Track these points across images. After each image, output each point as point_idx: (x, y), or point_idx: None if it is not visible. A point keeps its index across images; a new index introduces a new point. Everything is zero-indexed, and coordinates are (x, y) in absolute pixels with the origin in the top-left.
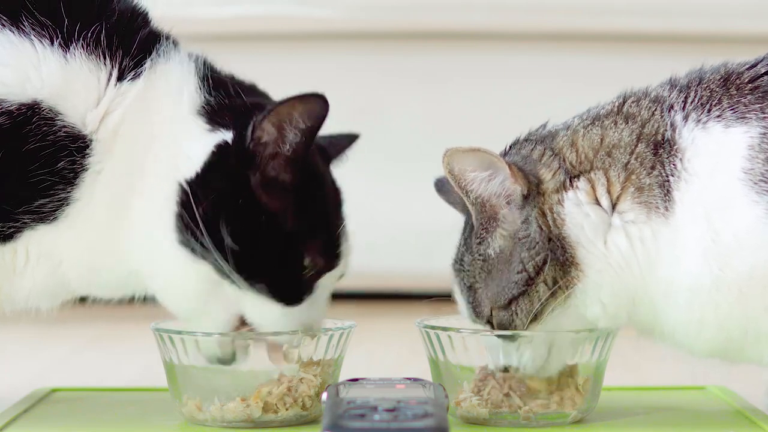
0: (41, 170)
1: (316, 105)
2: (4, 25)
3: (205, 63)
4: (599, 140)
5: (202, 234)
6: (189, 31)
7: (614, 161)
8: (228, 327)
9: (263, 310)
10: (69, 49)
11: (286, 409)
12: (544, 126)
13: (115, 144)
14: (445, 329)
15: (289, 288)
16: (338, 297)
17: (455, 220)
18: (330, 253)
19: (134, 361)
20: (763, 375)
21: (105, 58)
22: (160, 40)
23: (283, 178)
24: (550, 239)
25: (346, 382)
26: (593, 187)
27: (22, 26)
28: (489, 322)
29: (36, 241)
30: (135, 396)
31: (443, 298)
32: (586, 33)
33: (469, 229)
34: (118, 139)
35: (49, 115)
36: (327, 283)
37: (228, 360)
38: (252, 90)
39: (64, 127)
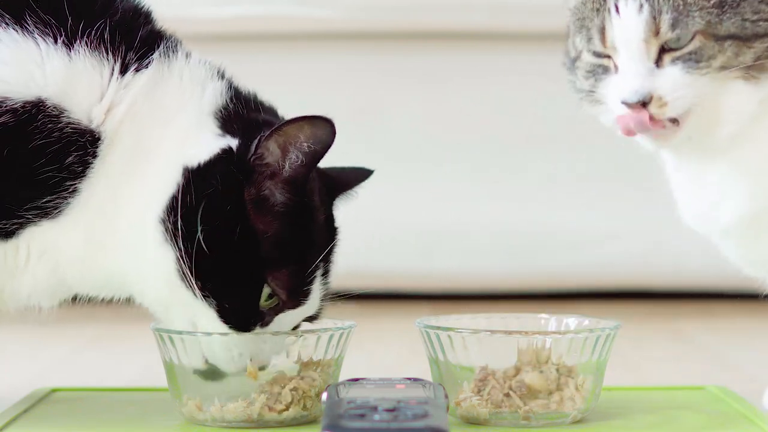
0: (47, 167)
1: (324, 130)
2: (8, 24)
3: (225, 73)
4: None
5: (179, 220)
6: (189, 31)
7: None
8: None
9: (209, 327)
10: (73, 46)
11: (287, 409)
12: None
13: (122, 134)
14: (445, 329)
15: (239, 312)
16: (338, 297)
17: (455, 220)
18: (296, 289)
19: (134, 361)
20: (763, 375)
21: (108, 53)
22: (166, 37)
23: (275, 200)
24: None
25: (346, 382)
26: None
27: (25, 25)
28: (671, 49)
29: (38, 238)
30: (135, 396)
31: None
32: None
33: None
34: (124, 130)
35: (54, 113)
36: (288, 321)
37: (211, 374)
38: (271, 110)
39: (70, 123)
